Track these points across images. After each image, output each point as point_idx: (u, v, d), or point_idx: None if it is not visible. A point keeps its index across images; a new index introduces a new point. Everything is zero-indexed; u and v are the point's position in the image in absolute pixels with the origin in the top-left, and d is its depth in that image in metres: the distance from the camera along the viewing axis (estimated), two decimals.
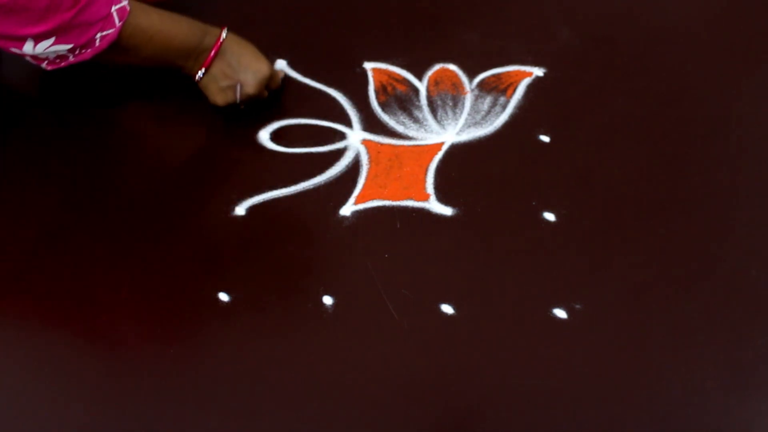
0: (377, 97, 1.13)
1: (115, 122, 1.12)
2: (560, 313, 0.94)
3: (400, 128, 1.10)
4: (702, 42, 1.19)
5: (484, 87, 1.13)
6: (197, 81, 1.06)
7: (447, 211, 1.03)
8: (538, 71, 1.15)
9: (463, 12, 1.22)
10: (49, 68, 0.98)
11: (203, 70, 1.05)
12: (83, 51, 0.97)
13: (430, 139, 1.09)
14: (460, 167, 1.06)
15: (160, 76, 1.08)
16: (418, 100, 1.12)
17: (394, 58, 1.16)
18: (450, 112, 1.11)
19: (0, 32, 0.92)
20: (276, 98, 1.12)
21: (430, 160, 1.07)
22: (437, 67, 1.16)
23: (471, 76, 1.14)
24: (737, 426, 0.88)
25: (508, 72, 1.15)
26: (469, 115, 1.11)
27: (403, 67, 1.16)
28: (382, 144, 1.09)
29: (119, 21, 0.97)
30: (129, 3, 0.98)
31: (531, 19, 1.21)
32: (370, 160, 1.07)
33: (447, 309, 0.95)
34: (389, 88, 1.14)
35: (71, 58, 0.98)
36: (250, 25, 1.13)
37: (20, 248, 1.01)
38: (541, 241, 1.00)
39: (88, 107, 1.13)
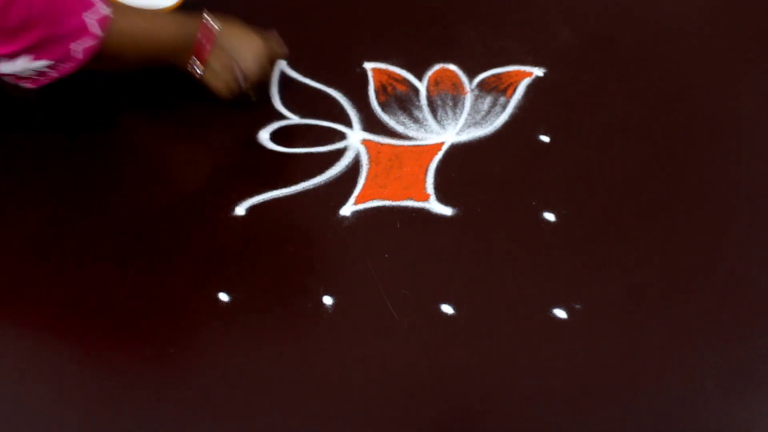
0: (377, 97, 1.13)
1: (115, 122, 1.12)
2: (560, 313, 0.94)
3: (400, 128, 1.10)
4: (702, 42, 1.19)
5: (484, 87, 1.13)
6: (200, 78, 1.06)
7: (447, 211, 1.03)
8: (538, 71, 1.15)
9: (463, 12, 1.22)
10: (31, 86, 0.95)
11: (199, 64, 1.04)
12: (62, 65, 0.94)
13: (430, 139, 1.09)
14: (460, 167, 1.06)
15: (160, 76, 1.08)
16: (418, 100, 1.12)
17: (394, 58, 1.16)
18: (450, 112, 1.11)
19: None
20: (275, 98, 1.12)
21: (430, 160, 1.07)
22: (437, 67, 1.16)
23: (471, 76, 1.15)
24: (737, 426, 0.88)
25: (508, 72, 1.15)
26: (469, 115, 1.11)
27: (403, 67, 1.16)
28: (382, 144, 1.09)
29: (101, 31, 0.94)
30: (110, 10, 0.95)
31: (531, 19, 1.21)
32: (370, 160, 1.07)
33: (447, 309, 0.95)
34: (389, 88, 1.14)
35: (53, 74, 0.95)
36: (250, 25, 1.13)
37: (20, 248, 1.01)
38: (541, 241, 1.00)
39: (88, 107, 1.13)
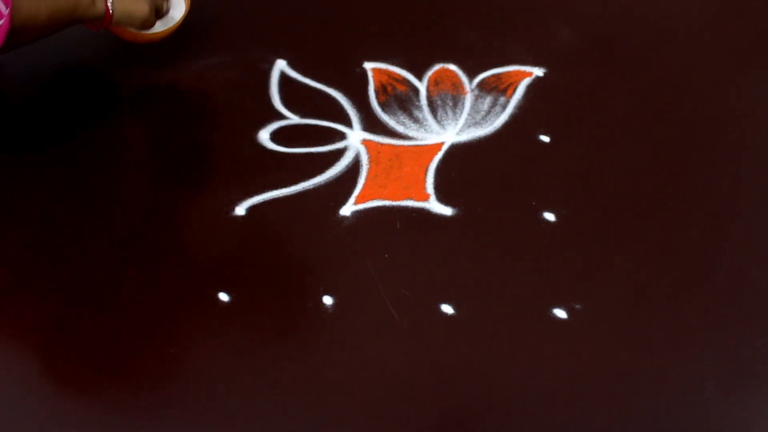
0: (377, 97, 1.13)
1: (115, 123, 1.12)
2: (560, 313, 0.94)
3: (400, 128, 1.10)
4: (702, 42, 1.19)
5: (484, 87, 1.13)
6: (111, 23, 1.02)
7: (447, 211, 1.03)
8: (538, 71, 1.15)
9: (463, 12, 1.22)
10: None
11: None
12: None
13: (430, 139, 1.09)
14: (460, 167, 1.06)
15: (160, 76, 1.08)
16: (418, 100, 1.12)
17: (394, 58, 1.16)
18: (450, 112, 1.11)
19: None
20: (275, 98, 1.12)
21: (430, 160, 1.07)
22: (437, 67, 1.16)
23: (471, 76, 1.14)
24: (737, 426, 0.88)
25: (508, 72, 1.15)
26: (469, 115, 1.11)
27: (403, 67, 1.16)
28: (382, 144, 1.09)
29: (6, 9, 0.91)
30: None
31: (531, 19, 1.21)
32: (370, 160, 1.07)
33: (447, 309, 0.95)
34: (389, 88, 1.14)
35: None
36: (250, 25, 1.13)
37: (19, 249, 1.01)
38: (541, 241, 1.00)
39: (88, 107, 1.13)
